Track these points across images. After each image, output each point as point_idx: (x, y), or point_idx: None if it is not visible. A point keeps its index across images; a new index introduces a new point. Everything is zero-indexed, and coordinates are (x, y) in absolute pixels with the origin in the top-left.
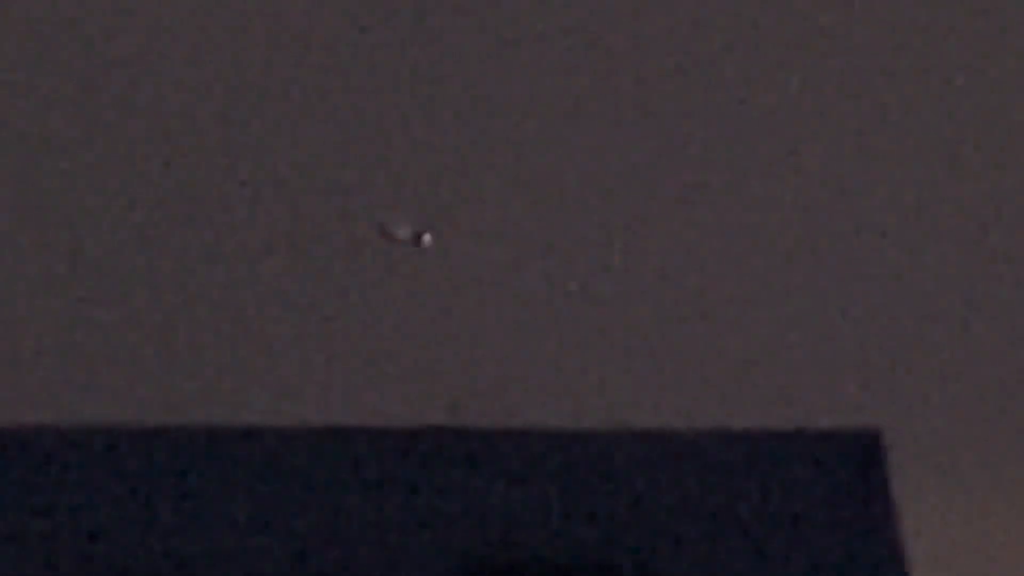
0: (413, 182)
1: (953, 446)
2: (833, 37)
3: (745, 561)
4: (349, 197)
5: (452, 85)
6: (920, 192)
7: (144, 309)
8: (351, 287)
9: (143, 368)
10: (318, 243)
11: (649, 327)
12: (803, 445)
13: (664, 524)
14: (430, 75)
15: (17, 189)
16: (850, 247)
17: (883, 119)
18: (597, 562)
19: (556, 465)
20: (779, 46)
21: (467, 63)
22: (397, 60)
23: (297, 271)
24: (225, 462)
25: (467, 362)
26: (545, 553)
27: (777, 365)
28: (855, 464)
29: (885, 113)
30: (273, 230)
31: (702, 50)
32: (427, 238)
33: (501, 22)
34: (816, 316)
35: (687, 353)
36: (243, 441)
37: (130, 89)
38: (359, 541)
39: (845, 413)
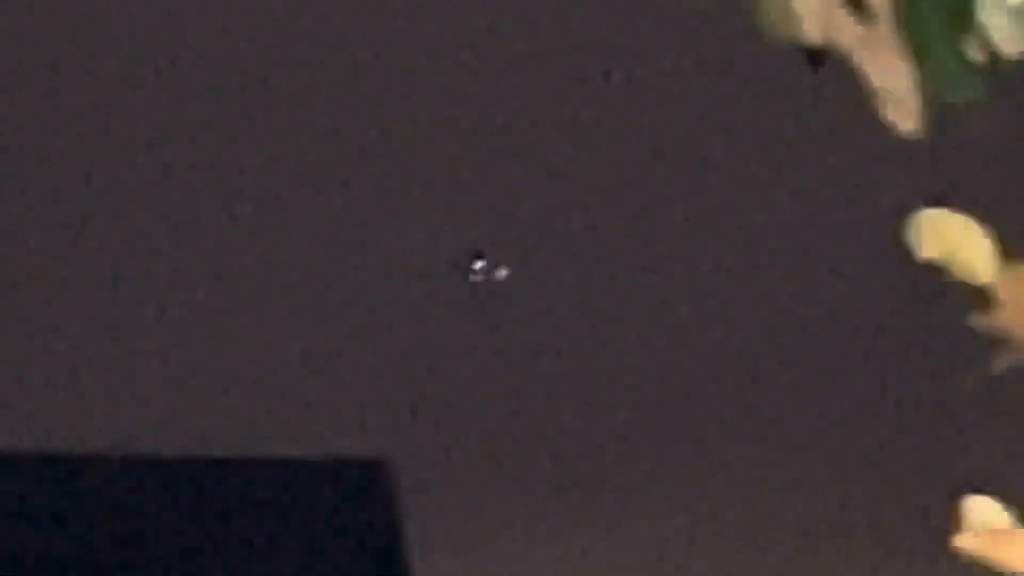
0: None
1: (460, 475)
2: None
3: None
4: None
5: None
6: None
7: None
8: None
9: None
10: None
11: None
12: (313, 471)
13: (175, 543)
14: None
15: None
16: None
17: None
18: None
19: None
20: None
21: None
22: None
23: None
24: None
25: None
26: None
27: (295, 392)
28: (360, 491)
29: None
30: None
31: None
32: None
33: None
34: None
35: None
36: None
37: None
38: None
39: (351, 440)
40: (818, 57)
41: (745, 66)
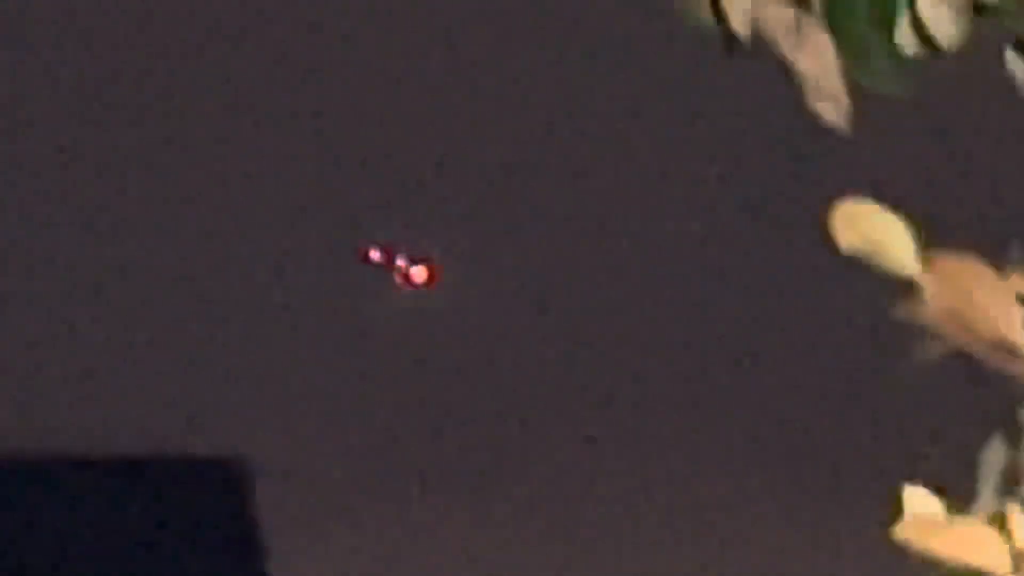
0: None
1: (324, 477)
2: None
3: None
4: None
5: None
6: None
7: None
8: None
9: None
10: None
11: None
12: (176, 472)
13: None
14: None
15: None
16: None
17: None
18: None
19: None
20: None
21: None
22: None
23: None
24: None
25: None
26: None
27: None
28: (220, 491)
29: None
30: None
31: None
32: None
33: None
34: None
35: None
36: None
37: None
38: None
39: (212, 440)
40: (734, 43)
41: (668, 55)
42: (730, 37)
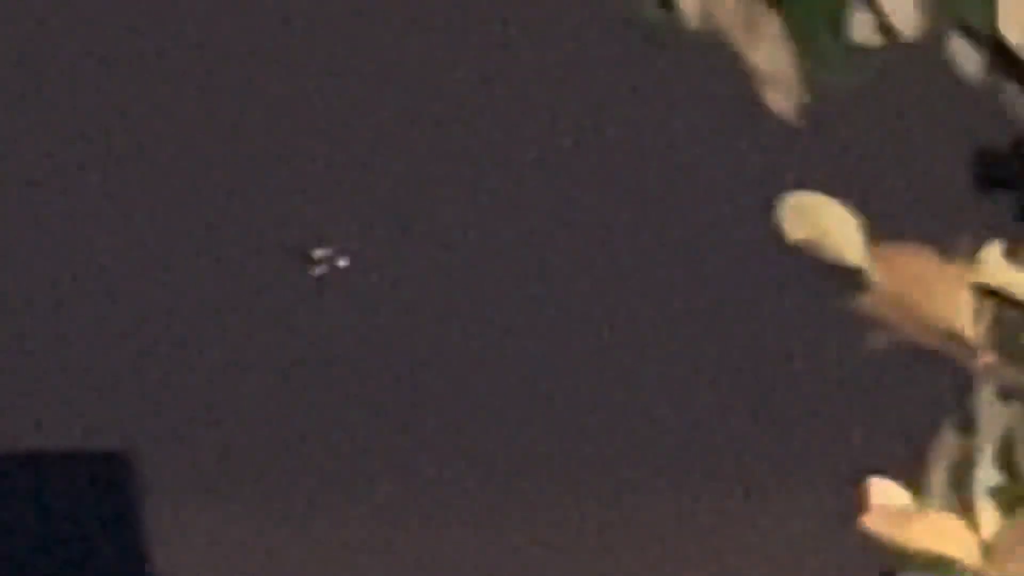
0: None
1: (204, 464)
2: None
3: None
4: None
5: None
6: None
7: None
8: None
9: None
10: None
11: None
12: (52, 464)
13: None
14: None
15: None
16: None
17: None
18: None
19: None
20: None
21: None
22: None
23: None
24: None
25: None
26: None
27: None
28: (102, 484)
29: None
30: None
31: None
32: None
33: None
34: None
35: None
36: None
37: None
38: None
39: (89, 434)
40: (659, 34)
41: (616, 44)
42: (679, 28)
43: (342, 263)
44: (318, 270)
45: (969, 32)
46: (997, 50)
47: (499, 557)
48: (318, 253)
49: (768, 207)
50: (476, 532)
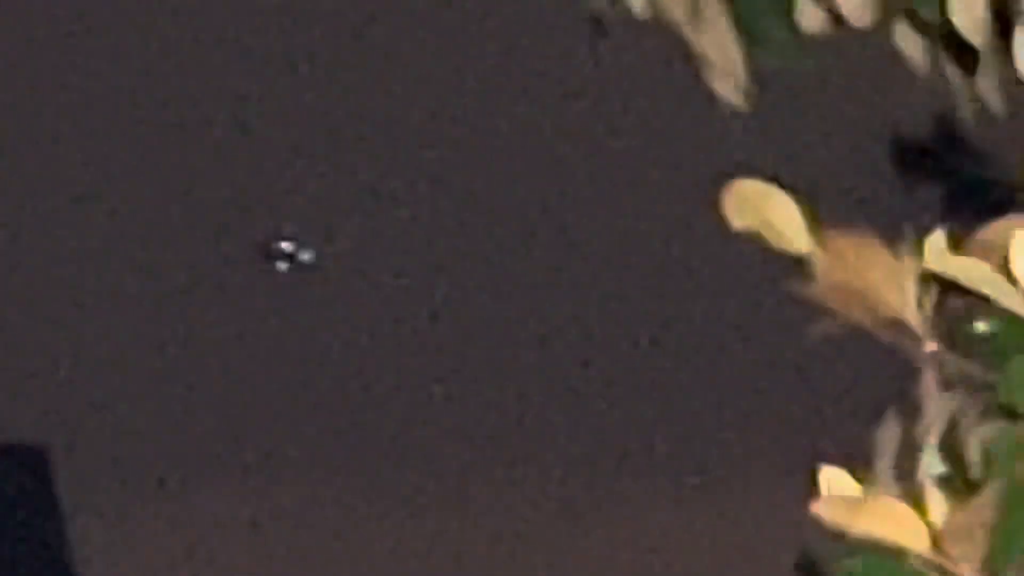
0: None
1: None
2: None
3: None
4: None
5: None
6: None
7: None
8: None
9: None
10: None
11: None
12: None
13: None
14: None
15: None
16: None
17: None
18: None
19: None
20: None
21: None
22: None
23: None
24: None
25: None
26: None
27: None
28: (29, 478)
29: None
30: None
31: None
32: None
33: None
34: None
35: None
36: None
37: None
38: None
39: (16, 428)
40: (602, 28)
41: (565, 34)
42: (598, 20)
43: (306, 257)
44: (282, 264)
45: (916, 21)
46: (944, 39)
47: (490, 551)
48: (283, 247)
49: (714, 194)
50: (461, 528)
